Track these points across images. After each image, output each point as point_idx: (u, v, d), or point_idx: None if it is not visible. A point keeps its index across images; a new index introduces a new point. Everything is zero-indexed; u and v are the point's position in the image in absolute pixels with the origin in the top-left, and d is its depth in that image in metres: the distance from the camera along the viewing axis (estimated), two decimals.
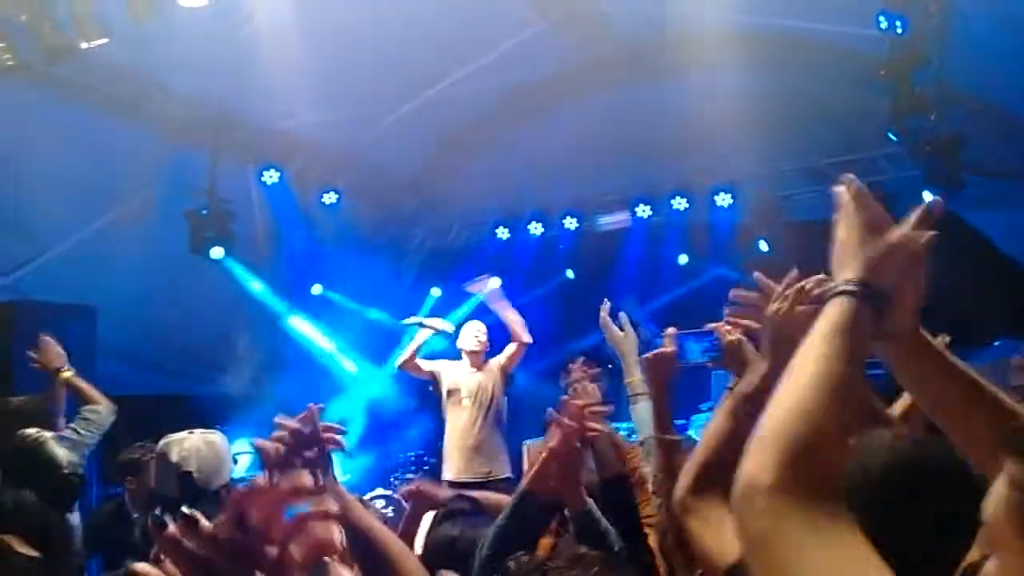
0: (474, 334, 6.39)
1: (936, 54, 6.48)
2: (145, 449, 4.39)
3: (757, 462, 1.02)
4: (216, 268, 8.15)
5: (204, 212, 7.86)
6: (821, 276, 1.26)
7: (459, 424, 6.30)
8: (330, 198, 9.03)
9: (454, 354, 6.54)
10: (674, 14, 6.69)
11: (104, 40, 5.59)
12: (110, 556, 4.06)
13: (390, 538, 1.47)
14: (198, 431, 3.07)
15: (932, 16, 6.34)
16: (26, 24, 5.52)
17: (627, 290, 8.84)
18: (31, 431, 3.38)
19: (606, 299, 3.21)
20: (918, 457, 1.59)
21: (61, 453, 3.31)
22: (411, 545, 2.75)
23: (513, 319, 6.32)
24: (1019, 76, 6.78)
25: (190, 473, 2.94)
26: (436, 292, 10.04)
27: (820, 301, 1.21)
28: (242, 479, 4.83)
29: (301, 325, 9.53)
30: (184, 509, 0.91)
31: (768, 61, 7.05)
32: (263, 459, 1.60)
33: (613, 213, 9.89)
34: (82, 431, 4.11)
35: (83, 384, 4.35)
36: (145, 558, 1.02)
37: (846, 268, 1.19)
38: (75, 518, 3.52)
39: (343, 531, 1.40)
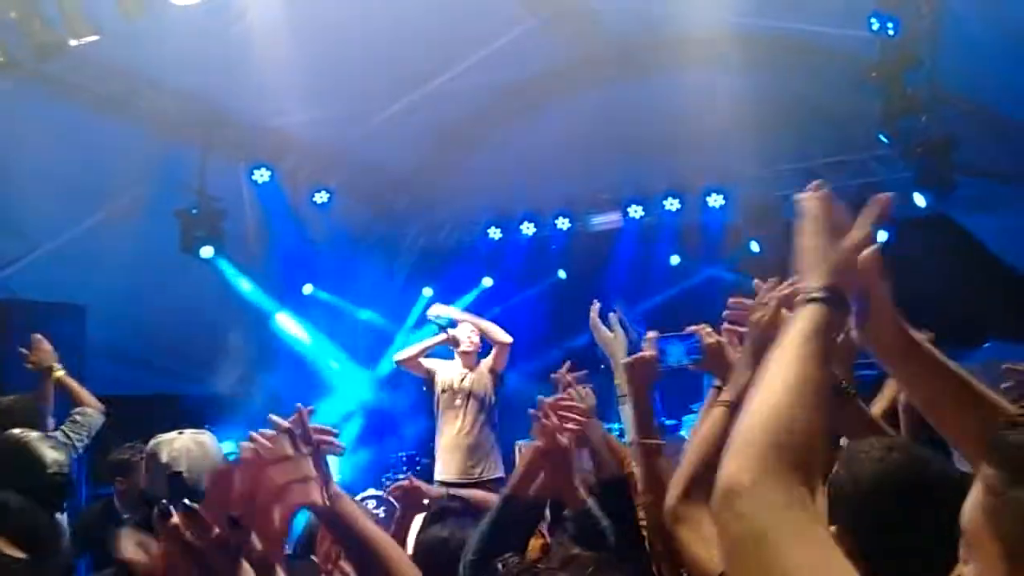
0: (467, 334, 6.39)
1: (928, 55, 6.49)
2: (135, 449, 4.38)
3: (737, 465, 1.03)
4: (206, 267, 8.12)
5: (194, 211, 7.83)
6: (796, 280, 1.29)
7: (451, 424, 6.30)
8: (321, 197, 9.01)
9: (446, 354, 6.53)
10: (664, 12, 6.69)
11: (94, 37, 5.55)
12: (99, 556, 4.03)
13: (389, 543, 1.46)
14: (188, 431, 3.04)
15: (924, 17, 6.35)
16: (16, 21, 5.48)
17: (619, 290, 8.84)
18: (16, 431, 3.35)
19: (595, 300, 3.21)
20: (910, 467, 1.59)
21: (47, 453, 3.28)
22: (402, 546, 2.74)
23: (485, 327, 6.34)
24: (1011, 77, 6.79)
25: (180, 473, 2.92)
26: (428, 292, 10.04)
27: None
28: None
29: (290, 324, 9.50)
30: (186, 502, 0.97)
31: (759, 61, 7.06)
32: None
33: (605, 213, 9.91)
34: (71, 434, 4.10)
35: (74, 385, 4.35)
36: None
37: (813, 274, 1.22)
38: (63, 518, 3.49)
39: (341, 534, 1.41)
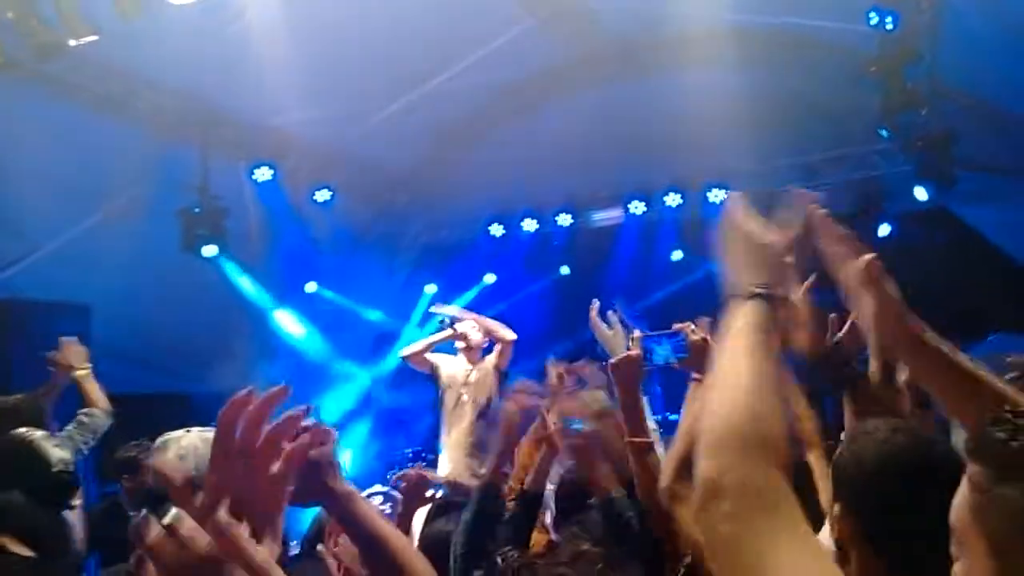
0: (471, 331, 6.39)
1: (928, 49, 6.49)
2: (142, 447, 4.37)
3: (708, 464, 1.05)
4: (208, 265, 8.12)
5: (196, 210, 7.83)
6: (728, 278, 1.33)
7: (455, 421, 6.29)
8: (323, 195, 8.99)
9: (452, 351, 6.54)
10: (662, 11, 6.69)
11: (93, 37, 5.56)
12: (107, 554, 4.03)
13: (404, 543, 1.45)
14: (195, 429, 3.05)
15: (923, 11, 6.35)
16: (14, 21, 5.48)
17: (622, 286, 8.85)
18: (20, 430, 3.35)
19: (595, 299, 3.24)
20: (915, 448, 1.59)
21: (51, 451, 3.28)
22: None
23: (488, 324, 6.34)
24: (1011, 71, 6.79)
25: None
26: (431, 289, 10.04)
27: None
28: None
29: (292, 323, 9.50)
30: (166, 519, 0.94)
31: (758, 58, 7.06)
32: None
33: (607, 209, 9.90)
34: (75, 435, 4.08)
35: (94, 386, 4.27)
36: None
37: (747, 272, 1.25)
38: (72, 516, 3.48)
39: (355, 534, 1.40)
